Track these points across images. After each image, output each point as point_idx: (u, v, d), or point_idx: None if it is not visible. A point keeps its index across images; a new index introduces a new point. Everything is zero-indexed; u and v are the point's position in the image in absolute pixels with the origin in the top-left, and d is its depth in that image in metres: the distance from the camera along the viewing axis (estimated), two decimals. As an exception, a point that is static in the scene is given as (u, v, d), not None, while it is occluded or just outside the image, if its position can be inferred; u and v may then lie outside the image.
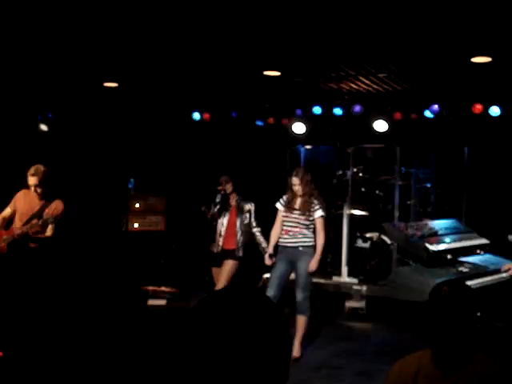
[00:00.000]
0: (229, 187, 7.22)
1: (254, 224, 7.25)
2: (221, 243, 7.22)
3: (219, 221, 7.25)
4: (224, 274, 7.13)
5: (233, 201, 7.26)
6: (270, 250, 6.59)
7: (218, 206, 7.21)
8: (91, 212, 9.96)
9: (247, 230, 7.26)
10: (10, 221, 6.54)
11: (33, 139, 9.19)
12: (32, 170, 6.39)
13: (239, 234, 7.15)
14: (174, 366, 1.30)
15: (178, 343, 1.30)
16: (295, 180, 6.43)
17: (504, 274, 5.99)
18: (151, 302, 8.60)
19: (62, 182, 8.74)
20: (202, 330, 1.26)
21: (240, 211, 7.21)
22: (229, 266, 7.13)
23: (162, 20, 5.13)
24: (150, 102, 9.01)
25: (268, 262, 6.60)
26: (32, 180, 6.39)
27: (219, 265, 7.23)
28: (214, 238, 7.33)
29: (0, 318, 5.20)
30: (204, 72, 7.28)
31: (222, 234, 7.23)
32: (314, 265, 6.34)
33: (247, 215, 7.23)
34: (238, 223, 7.19)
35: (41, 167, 6.43)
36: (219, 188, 7.20)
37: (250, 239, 7.32)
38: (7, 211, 6.55)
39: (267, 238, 6.79)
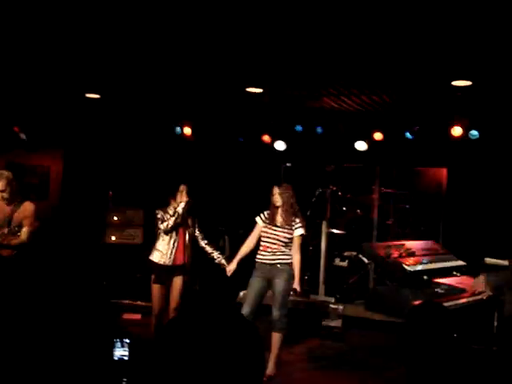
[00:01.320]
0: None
1: (200, 236, 6.91)
2: (172, 257, 6.81)
3: (172, 233, 6.81)
4: (177, 290, 6.83)
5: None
6: (235, 262, 6.43)
7: (178, 217, 6.71)
8: (70, 223, 9.88)
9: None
10: None
11: (12, 147, 9.11)
12: None
13: (189, 249, 6.85)
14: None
15: (151, 359, 1.29)
16: (275, 189, 6.36)
17: (479, 296, 6.01)
18: (126, 315, 8.53)
19: (40, 191, 8.67)
20: (175, 348, 1.25)
21: (186, 224, 6.92)
22: (181, 281, 6.87)
23: (145, 34, 5.13)
24: (131, 114, 8.99)
25: (229, 271, 6.43)
26: None
27: (164, 282, 6.88)
28: (152, 248, 6.97)
29: None
30: (187, 86, 7.28)
31: (175, 246, 6.81)
32: (299, 287, 6.28)
33: (191, 229, 6.93)
34: (187, 237, 6.89)
35: (4, 173, 6.30)
36: (187, 199, 6.73)
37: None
38: None
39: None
